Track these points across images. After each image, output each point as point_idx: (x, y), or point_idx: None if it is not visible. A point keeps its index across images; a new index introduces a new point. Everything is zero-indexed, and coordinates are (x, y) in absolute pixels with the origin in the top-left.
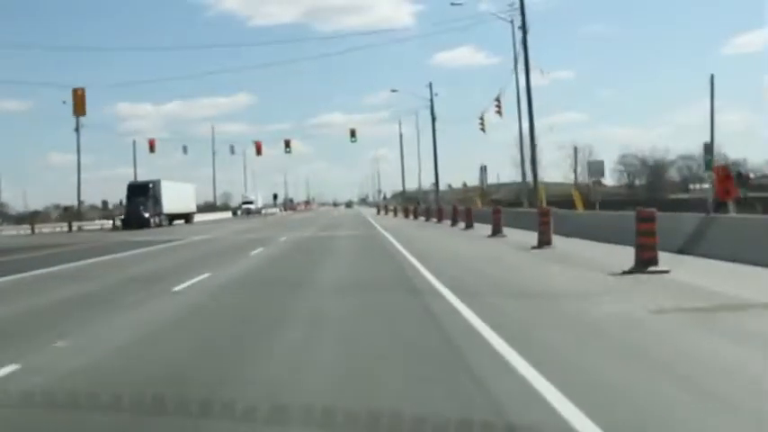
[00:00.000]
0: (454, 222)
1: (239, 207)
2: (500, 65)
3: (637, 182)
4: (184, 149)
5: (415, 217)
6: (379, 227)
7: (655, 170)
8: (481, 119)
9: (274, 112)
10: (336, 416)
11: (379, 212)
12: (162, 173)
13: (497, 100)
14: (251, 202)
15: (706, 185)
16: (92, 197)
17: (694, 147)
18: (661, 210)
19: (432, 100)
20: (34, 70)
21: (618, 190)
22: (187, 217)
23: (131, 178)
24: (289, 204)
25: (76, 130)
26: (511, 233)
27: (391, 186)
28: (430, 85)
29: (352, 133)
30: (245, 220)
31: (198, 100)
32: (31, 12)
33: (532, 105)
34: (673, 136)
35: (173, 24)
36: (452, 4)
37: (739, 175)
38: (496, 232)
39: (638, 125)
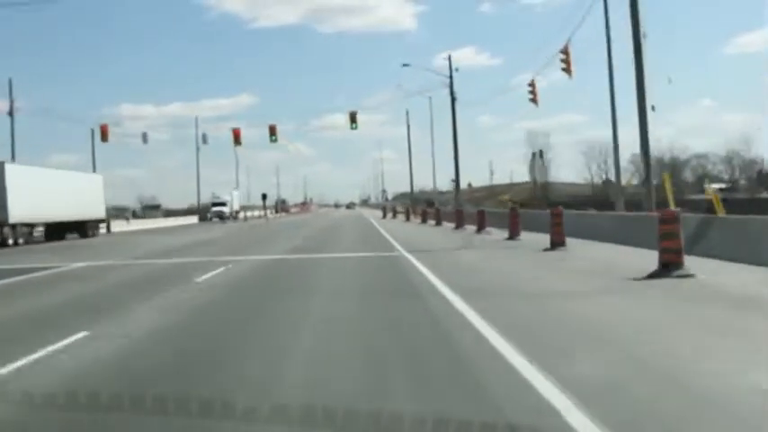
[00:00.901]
0: (513, 235)
1: (209, 210)
2: (502, 65)
3: (654, 182)
4: (144, 138)
5: (437, 222)
6: (394, 240)
7: (669, 169)
8: (531, 86)
9: (276, 113)
10: (336, 416)
11: (385, 215)
12: (163, 173)
13: (564, 52)
14: (223, 204)
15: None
16: None
17: (699, 147)
18: None
19: (451, 76)
20: (35, 70)
21: (631, 190)
22: (83, 227)
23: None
24: (282, 206)
25: (10, 114)
26: (706, 267)
27: (394, 188)
28: (449, 59)
29: (353, 118)
30: (210, 226)
31: (200, 101)
32: (32, 11)
33: (642, 52)
34: (674, 137)
35: (175, 25)
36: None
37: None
38: (670, 267)
39: (637, 126)
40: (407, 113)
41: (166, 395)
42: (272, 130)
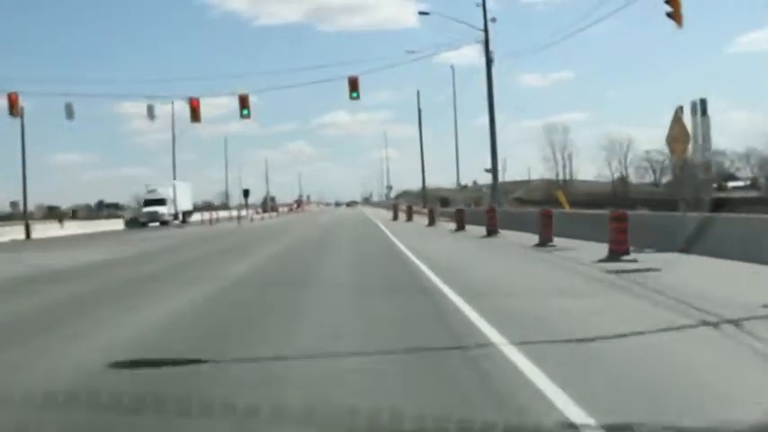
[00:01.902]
0: None
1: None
2: (504, 64)
3: (664, 179)
4: (67, 111)
5: (491, 232)
6: (480, 317)
7: (683, 167)
8: None
9: (277, 111)
10: (336, 415)
11: (395, 217)
12: (166, 171)
13: None
14: (160, 201)
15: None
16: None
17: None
18: None
19: (486, 29)
20: (37, 69)
21: (644, 188)
22: None
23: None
24: (271, 204)
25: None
26: None
27: (396, 186)
28: (483, 4)
29: (353, 85)
30: (134, 236)
31: (202, 100)
32: (34, 10)
33: None
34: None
35: (177, 24)
36: None
37: None
38: None
39: (641, 124)
40: (418, 94)
41: (166, 395)
42: (243, 102)
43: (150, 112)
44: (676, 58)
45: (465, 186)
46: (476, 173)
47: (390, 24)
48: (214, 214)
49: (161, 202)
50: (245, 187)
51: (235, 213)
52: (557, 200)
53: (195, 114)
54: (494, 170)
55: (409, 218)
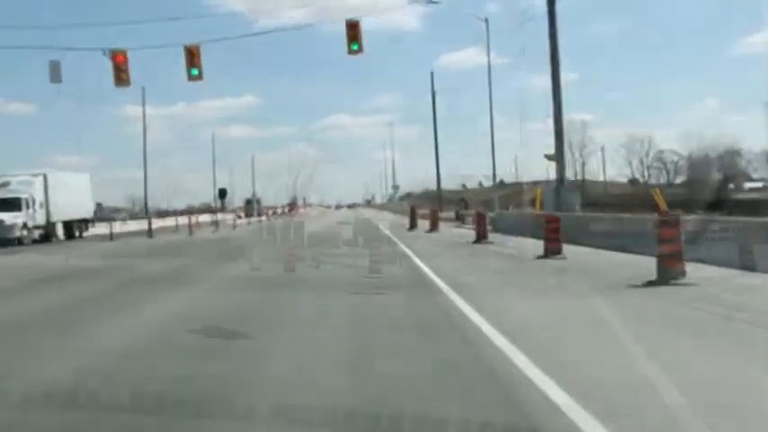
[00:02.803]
0: None
1: None
2: (506, 65)
3: (678, 179)
4: None
5: (667, 274)
6: None
7: (698, 167)
8: None
9: (280, 114)
10: (336, 416)
11: (413, 225)
12: (166, 173)
13: None
14: (12, 204)
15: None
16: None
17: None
18: None
19: None
20: (37, 70)
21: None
22: None
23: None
24: (258, 208)
25: None
26: None
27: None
28: None
29: (352, 32)
30: None
31: (203, 102)
32: (33, 10)
33: None
34: (682, 137)
35: (177, 24)
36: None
37: None
38: None
39: (645, 125)
40: (432, 75)
41: (165, 395)
42: (192, 58)
43: (55, 72)
44: (680, 58)
45: (501, 183)
46: (480, 175)
47: (392, 25)
48: (170, 221)
49: (12, 204)
50: (230, 188)
51: (210, 218)
52: (659, 197)
53: (120, 75)
54: (560, 164)
55: (433, 227)
